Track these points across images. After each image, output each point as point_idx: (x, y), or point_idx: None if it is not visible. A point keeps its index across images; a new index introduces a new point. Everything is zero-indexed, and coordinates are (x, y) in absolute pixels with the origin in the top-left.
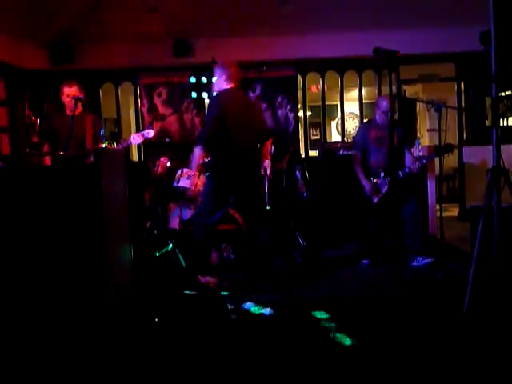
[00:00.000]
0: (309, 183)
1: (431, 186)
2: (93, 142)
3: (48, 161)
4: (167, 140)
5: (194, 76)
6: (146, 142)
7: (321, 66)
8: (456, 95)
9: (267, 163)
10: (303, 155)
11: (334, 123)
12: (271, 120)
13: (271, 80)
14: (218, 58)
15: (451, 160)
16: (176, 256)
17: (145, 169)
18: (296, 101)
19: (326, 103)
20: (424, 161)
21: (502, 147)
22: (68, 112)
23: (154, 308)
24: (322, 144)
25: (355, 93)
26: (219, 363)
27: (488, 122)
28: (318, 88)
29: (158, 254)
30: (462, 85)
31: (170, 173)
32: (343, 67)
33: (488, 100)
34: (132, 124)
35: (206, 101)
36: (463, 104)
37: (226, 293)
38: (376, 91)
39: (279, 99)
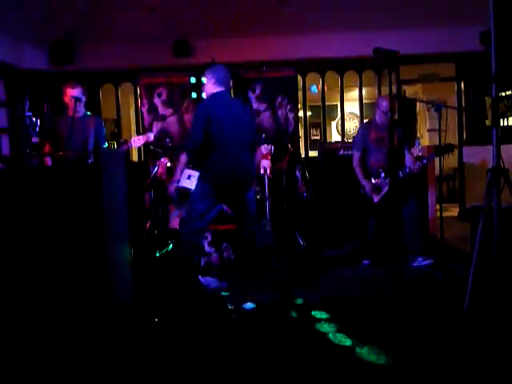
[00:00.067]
0: (309, 183)
1: (431, 186)
2: (94, 143)
3: (49, 161)
4: (167, 140)
5: (194, 76)
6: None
7: (321, 66)
8: (456, 95)
9: (267, 163)
10: (303, 155)
11: (334, 123)
12: (271, 120)
13: (271, 80)
14: (218, 58)
15: (451, 160)
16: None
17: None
18: (296, 101)
19: (326, 103)
20: (424, 161)
21: (502, 147)
22: (70, 113)
23: (153, 308)
24: (322, 144)
25: (355, 93)
26: (219, 363)
27: (488, 122)
28: (318, 88)
29: (157, 254)
30: (462, 85)
31: (170, 173)
32: (343, 67)
33: (488, 100)
34: (132, 124)
35: None
36: (463, 104)
37: (226, 293)
38: (376, 91)
39: (279, 99)
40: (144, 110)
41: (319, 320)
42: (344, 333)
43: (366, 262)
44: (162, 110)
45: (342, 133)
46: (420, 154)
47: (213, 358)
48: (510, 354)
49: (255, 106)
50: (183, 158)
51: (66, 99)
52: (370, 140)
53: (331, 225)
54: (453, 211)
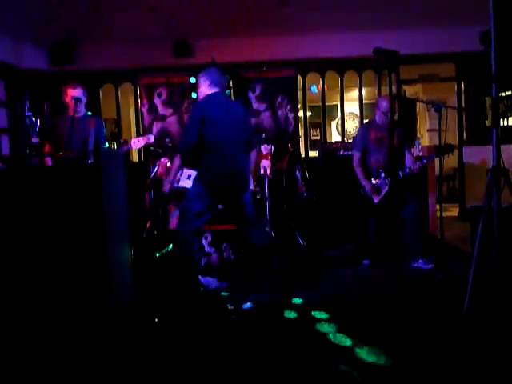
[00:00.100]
0: (309, 183)
1: (431, 186)
2: (94, 144)
3: (49, 162)
4: (167, 140)
5: (194, 76)
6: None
7: (321, 66)
8: (456, 95)
9: (267, 163)
10: (303, 155)
11: (334, 123)
12: (271, 120)
13: (271, 80)
14: (218, 58)
15: (451, 160)
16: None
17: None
18: (296, 101)
19: (326, 103)
20: (424, 161)
21: (502, 147)
22: (70, 113)
23: (153, 308)
24: (322, 144)
25: (355, 93)
26: (219, 363)
27: (488, 122)
28: (318, 88)
29: (157, 254)
30: (462, 85)
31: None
32: (343, 67)
33: (488, 100)
34: (132, 124)
35: None
36: (463, 104)
37: (225, 293)
38: (376, 91)
39: (279, 99)
40: (144, 110)
41: (319, 320)
42: (344, 333)
43: (365, 261)
44: (161, 110)
45: (342, 133)
46: (420, 154)
47: (213, 358)
48: (510, 354)
49: (255, 106)
50: (177, 159)
51: (67, 99)
52: (370, 140)
53: (331, 225)
54: (453, 211)
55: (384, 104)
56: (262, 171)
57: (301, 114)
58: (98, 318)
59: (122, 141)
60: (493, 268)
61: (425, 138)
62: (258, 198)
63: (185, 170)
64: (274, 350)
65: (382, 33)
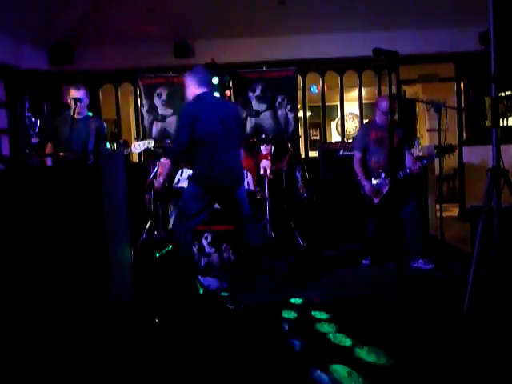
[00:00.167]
0: (309, 183)
1: (431, 186)
2: (94, 144)
3: (49, 162)
4: (167, 141)
5: None
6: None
7: (321, 66)
8: (456, 95)
9: (267, 163)
10: (303, 155)
11: (333, 123)
12: (271, 120)
13: (271, 80)
14: (218, 59)
15: (451, 160)
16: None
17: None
18: (296, 101)
19: (326, 103)
20: (424, 161)
21: (502, 147)
22: (71, 113)
23: (153, 308)
24: (322, 144)
25: (355, 93)
26: (219, 363)
27: (488, 122)
28: (318, 88)
29: (157, 254)
30: (462, 85)
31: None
32: (343, 67)
33: (488, 100)
34: (132, 125)
35: None
36: (463, 104)
37: (225, 293)
38: (376, 91)
39: (279, 99)
40: (144, 110)
41: (319, 320)
42: (344, 333)
43: (365, 262)
44: (161, 110)
45: (342, 133)
46: (420, 154)
47: (213, 358)
48: (510, 354)
49: (255, 106)
50: (168, 163)
51: (70, 100)
52: (370, 140)
53: (331, 225)
54: (453, 211)
55: (384, 104)
56: (262, 171)
57: (301, 114)
58: (98, 317)
59: (121, 141)
60: (493, 268)
61: (425, 138)
62: (258, 198)
63: (185, 170)
64: (273, 350)
65: (382, 33)
